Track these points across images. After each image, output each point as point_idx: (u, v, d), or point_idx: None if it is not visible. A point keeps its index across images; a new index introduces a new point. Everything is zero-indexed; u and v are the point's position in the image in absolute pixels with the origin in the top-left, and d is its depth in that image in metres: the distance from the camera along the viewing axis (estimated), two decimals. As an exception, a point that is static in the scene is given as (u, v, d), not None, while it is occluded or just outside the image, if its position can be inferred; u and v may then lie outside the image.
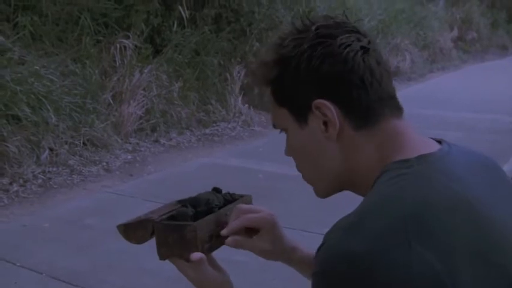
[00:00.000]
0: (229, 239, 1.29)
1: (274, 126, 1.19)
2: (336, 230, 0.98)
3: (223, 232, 1.29)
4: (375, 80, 1.06)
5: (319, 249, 0.98)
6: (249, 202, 1.40)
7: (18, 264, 4.29)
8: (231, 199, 1.39)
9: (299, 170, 1.20)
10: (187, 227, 1.24)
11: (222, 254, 1.37)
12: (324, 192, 1.19)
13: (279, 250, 1.33)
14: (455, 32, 21.08)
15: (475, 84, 14.43)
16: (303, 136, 1.12)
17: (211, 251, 1.30)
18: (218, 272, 1.29)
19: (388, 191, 0.99)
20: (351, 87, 1.05)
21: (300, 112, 1.10)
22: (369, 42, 1.09)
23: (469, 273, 0.91)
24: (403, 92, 12.37)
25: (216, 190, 1.40)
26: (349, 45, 1.06)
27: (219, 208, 1.33)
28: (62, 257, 4.44)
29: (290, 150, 1.18)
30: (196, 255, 1.22)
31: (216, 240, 1.29)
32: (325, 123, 1.07)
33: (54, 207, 5.59)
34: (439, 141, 1.12)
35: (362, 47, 1.07)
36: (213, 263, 1.30)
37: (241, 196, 1.40)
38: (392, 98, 1.10)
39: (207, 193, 1.39)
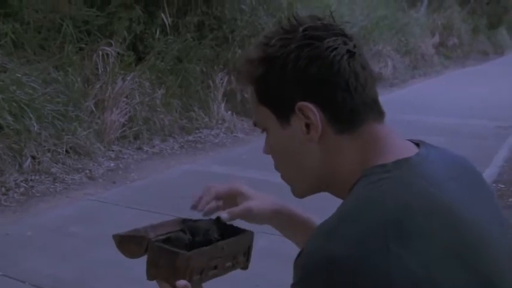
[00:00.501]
0: (224, 214, 1.32)
1: (255, 125, 1.18)
2: (314, 237, 0.98)
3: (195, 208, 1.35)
4: (359, 84, 1.06)
5: (298, 256, 0.98)
6: (251, 239, 1.36)
7: (1, 273, 4.26)
8: (231, 232, 1.35)
9: (277, 169, 1.19)
10: (180, 255, 1.21)
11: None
12: (301, 192, 1.19)
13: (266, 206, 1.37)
14: (436, 38, 21.24)
15: (456, 89, 14.52)
16: (284, 136, 1.11)
17: (200, 283, 1.26)
18: None
19: (367, 196, 0.99)
20: (335, 91, 1.06)
21: (283, 112, 1.09)
22: (355, 46, 1.09)
23: (448, 277, 0.92)
24: (385, 98, 12.40)
25: (219, 221, 1.35)
26: (335, 48, 1.06)
27: (217, 240, 1.29)
28: (46, 265, 4.41)
29: (269, 149, 1.18)
30: (181, 283, 1.19)
31: (207, 274, 1.26)
32: (307, 125, 1.07)
33: (37, 216, 5.56)
34: (418, 144, 1.12)
35: (348, 51, 1.07)
36: None
37: (244, 231, 1.35)
38: (375, 102, 1.11)
39: (209, 222, 1.35)
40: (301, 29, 1.08)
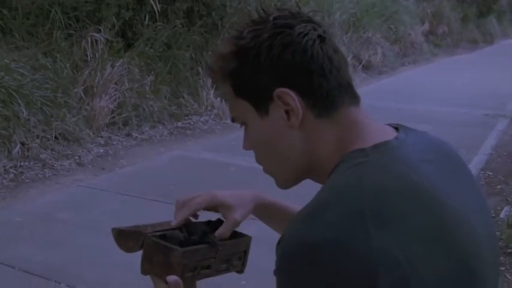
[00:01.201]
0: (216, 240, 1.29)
1: (233, 120, 1.19)
2: (294, 223, 0.98)
3: (173, 224, 1.29)
4: (334, 67, 1.08)
5: (279, 241, 0.98)
6: (248, 244, 1.36)
7: (-10, 258, 4.27)
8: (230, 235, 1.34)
9: (259, 163, 1.20)
10: (174, 251, 1.22)
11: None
12: (285, 183, 1.20)
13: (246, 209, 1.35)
14: (426, 26, 21.24)
15: (446, 77, 14.55)
16: (264, 126, 1.12)
17: (193, 280, 1.27)
18: None
19: (345, 180, 1.00)
20: (311, 75, 1.07)
21: (261, 102, 1.10)
22: (324, 31, 1.11)
23: (427, 261, 0.93)
24: (374, 86, 12.46)
25: (219, 223, 1.33)
26: (306, 34, 1.07)
27: (213, 241, 1.28)
28: (35, 251, 4.42)
29: (250, 144, 1.18)
30: (171, 278, 1.19)
31: (200, 272, 1.27)
32: (287, 112, 1.08)
33: (27, 202, 5.56)
34: (397, 128, 1.13)
35: (319, 36, 1.09)
36: None
37: (242, 236, 1.35)
38: (350, 85, 1.12)
39: (208, 223, 1.34)
40: (271, 18, 1.10)
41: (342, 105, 1.09)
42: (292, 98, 1.07)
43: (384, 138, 1.07)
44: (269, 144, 1.14)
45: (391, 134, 1.09)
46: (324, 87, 1.07)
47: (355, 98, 1.12)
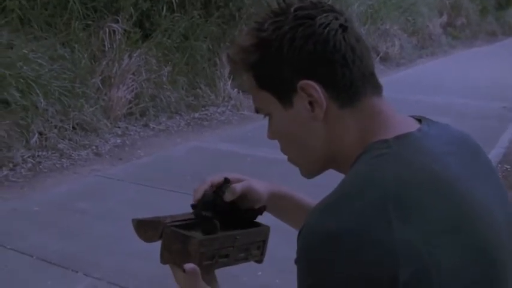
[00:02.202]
0: (226, 194, 1.32)
1: (257, 111, 1.18)
2: (315, 212, 0.98)
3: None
4: (356, 57, 1.07)
5: (300, 231, 0.98)
6: (266, 234, 1.37)
7: (8, 247, 4.30)
8: (248, 224, 1.36)
9: (283, 152, 1.20)
10: (191, 239, 1.23)
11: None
12: (310, 172, 1.20)
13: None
14: (444, 18, 21.10)
15: (464, 70, 14.46)
16: (288, 118, 1.11)
17: (211, 269, 1.28)
18: None
19: (368, 171, 1.00)
20: (334, 66, 1.06)
21: (285, 94, 1.10)
22: (346, 20, 1.10)
23: (448, 253, 0.93)
24: (392, 77, 12.40)
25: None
26: (328, 24, 1.07)
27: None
28: (53, 240, 4.45)
29: (274, 134, 1.18)
30: (189, 266, 1.19)
31: (217, 261, 1.27)
32: (310, 103, 1.08)
33: (44, 191, 5.59)
34: (420, 120, 1.13)
35: (341, 25, 1.08)
36: (209, 281, 1.27)
37: (261, 225, 1.37)
38: (373, 75, 1.11)
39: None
40: (292, 9, 1.09)
41: (365, 96, 1.08)
42: (315, 90, 1.06)
43: (406, 129, 1.07)
44: (293, 135, 1.14)
45: (413, 126, 1.09)
46: (347, 77, 1.07)
47: (377, 88, 1.12)
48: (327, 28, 1.06)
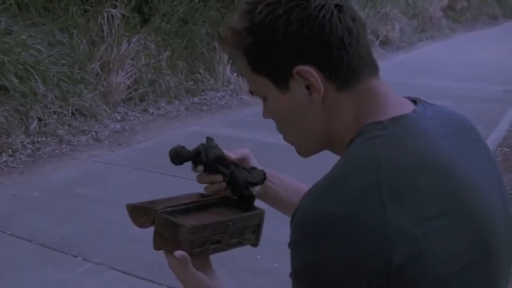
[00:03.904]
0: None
1: (252, 93, 1.16)
2: (310, 195, 0.98)
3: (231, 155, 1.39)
4: (353, 38, 1.05)
5: (294, 213, 0.98)
6: (261, 217, 1.37)
7: (8, 232, 4.32)
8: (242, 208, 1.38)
9: (279, 131, 1.19)
10: (181, 227, 1.23)
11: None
12: (306, 151, 1.19)
13: None
14: (444, 1, 21.03)
15: (464, 53, 14.43)
16: (285, 101, 1.10)
17: (203, 255, 1.28)
18: (206, 276, 1.26)
19: (362, 153, 0.99)
20: (331, 49, 1.04)
21: (280, 79, 1.08)
22: None
23: (443, 236, 0.93)
24: (392, 61, 12.39)
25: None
26: (323, 5, 1.04)
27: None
28: (52, 225, 4.46)
29: (269, 113, 1.16)
30: (179, 253, 1.20)
31: (209, 248, 1.28)
32: (308, 87, 1.06)
33: (44, 177, 5.60)
34: (415, 101, 1.12)
35: (336, 5, 1.05)
36: (203, 267, 1.28)
37: (255, 209, 1.37)
38: (369, 55, 1.09)
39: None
40: None
41: (363, 77, 1.07)
42: (312, 75, 1.04)
43: (402, 111, 1.05)
44: (290, 118, 1.13)
45: (409, 108, 1.08)
46: (344, 60, 1.05)
47: (374, 68, 1.10)
48: (323, 10, 1.03)
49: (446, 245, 0.93)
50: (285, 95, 1.09)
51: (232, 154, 1.39)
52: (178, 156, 1.38)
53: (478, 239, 0.97)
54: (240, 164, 1.41)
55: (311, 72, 1.04)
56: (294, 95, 1.08)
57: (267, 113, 1.17)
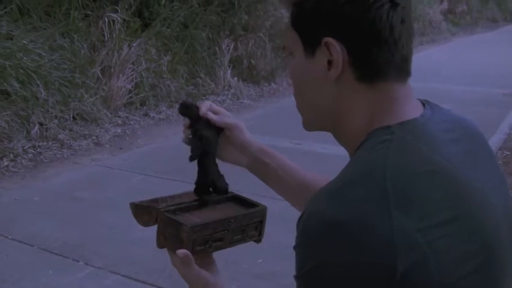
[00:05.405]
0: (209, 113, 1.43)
1: (284, 48, 1.18)
2: (317, 198, 0.98)
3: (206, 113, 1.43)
4: (391, 37, 1.03)
5: (300, 217, 0.98)
6: (263, 214, 1.38)
7: (10, 237, 4.32)
8: (245, 204, 1.39)
9: (294, 96, 1.18)
10: (183, 226, 1.25)
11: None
12: (309, 125, 1.18)
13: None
14: (445, 5, 21.06)
15: (464, 57, 14.44)
16: (306, 66, 1.09)
17: (205, 253, 1.30)
18: (209, 273, 1.28)
19: (370, 159, 1.00)
20: (364, 37, 1.03)
21: (310, 43, 1.07)
22: None
23: (447, 243, 0.93)
24: (392, 65, 12.36)
25: (235, 197, 1.44)
26: None
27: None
28: (54, 229, 4.47)
29: (290, 72, 1.17)
30: (181, 251, 1.22)
31: (211, 245, 1.29)
32: (329, 63, 1.05)
33: (45, 181, 5.61)
34: (423, 103, 1.11)
35: (391, 1, 1.02)
36: (206, 264, 1.29)
37: (257, 206, 1.38)
38: (405, 60, 1.07)
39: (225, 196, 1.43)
40: None
41: (386, 79, 1.05)
42: (337, 50, 1.03)
43: (411, 115, 1.05)
44: (305, 84, 1.13)
45: (417, 111, 1.07)
46: (374, 54, 1.03)
47: (403, 74, 1.07)
48: None
49: (451, 252, 0.93)
50: (308, 61, 1.09)
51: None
52: (186, 107, 1.43)
53: (482, 246, 0.97)
54: (231, 134, 1.45)
55: (337, 48, 1.03)
56: (315, 65, 1.07)
57: (289, 71, 1.18)
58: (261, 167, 1.47)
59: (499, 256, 1.01)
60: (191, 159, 1.37)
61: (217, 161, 1.43)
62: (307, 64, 1.09)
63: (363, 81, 1.05)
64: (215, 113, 1.45)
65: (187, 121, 1.44)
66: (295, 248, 0.98)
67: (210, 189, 1.39)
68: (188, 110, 1.41)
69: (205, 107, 1.44)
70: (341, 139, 1.12)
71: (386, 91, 1.06)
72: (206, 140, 1.39)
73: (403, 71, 1.07)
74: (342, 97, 1.07)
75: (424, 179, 0.96)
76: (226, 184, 1.40)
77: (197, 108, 1.41)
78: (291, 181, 1.46)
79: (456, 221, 0.96)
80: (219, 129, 1.44)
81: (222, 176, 1.41)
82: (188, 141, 1.41)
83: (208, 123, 1.41)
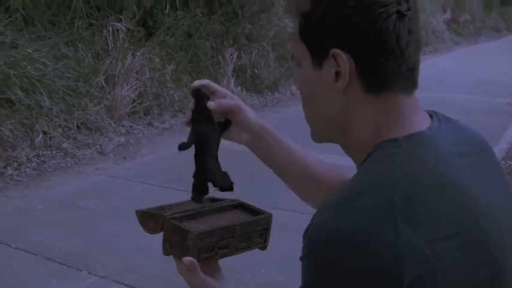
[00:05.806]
0: (211, 103, 1.41)
1: (292, 58, 1.16)
2: (324, 209, 0.98)
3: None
4: (398, 47, 1.03)
5: (307, 229, 0.98)
6: (269, 221, 1.38)
7: (13, 246, 4.33)
8: (250, 212, 1.40)
9: (303, 108, 1.18)
10: (189, 234, 1.25)
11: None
12: (317, 136, 1.19)
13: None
14: (448, 14, 21.07)
15: (468, 66, 14.43)
16: (314, 78, 1.10)
17: (211, 260, 1.30)
18: (215, 280, 1.28)
19: (377, 171, 1.00)
20: (371, 48, 1.03)
21: (318, 54, 1.08)
22: (409, 8, 1.04)
23: (454, 256, 0.93)
24: (396, 74, 12.36)
25: (241, 204, 1.44)
26: (385, 5, 1.02)
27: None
28: (57, 238, 4.47)
29: (297, 82, 1.17)
30: (187, 259, 1.23)
31: (217, 253, 1.29)
32: (337, 74, 1.05)
33: (49, 190, 5.62)
34: (431, 115, 1.11)
35: (398, 12, 1.02)
36: (212, 271, 1.30)
37: (262, 213, 1.39)
38: (412, 71, 1.07)
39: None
40: None
41: (392, 90, 1.05)
42: (344, 61, 1.03)
43: (418, 128, 1.05)
44: (312, 96, 1.13)
45: (425, 124, 1.07)
46: (380, 64, 1.03)
47: (410, 85, 1.08)
48: (382, 9, 1.01)
49: (457, 265, 0.93)
50: (316, 72, 1.09)
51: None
52: (197, 94, 1.41)
53: (489, 259, 0.98)
54: (232, 117, 1.44)
55: (344, 59, 1.03)
56: (323, 76, 1.07)
57: (296, 81, 1.18)
58: (261, 143, 1.47)
59: (506, 269, 1.01)
60: (179, 148, 1.39)
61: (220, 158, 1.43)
62: (314, 75, 1.09)
63: (369, 92, 1.05)
64: (214, 93, 1.44)
65: (193, 104, 1.42)
66: (301, 259, 0.98)
67: (211, 188, 1.39)
68: (198, 98, 1.40)
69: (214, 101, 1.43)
70: (349, 150, 1.12)
71: (392, 102, 1.06)
72: (200, 137, 1.40)
73: (409, 81, 1.07)
74: (349, 108, 1.08)
75: (431, 191, 0.96)
76: (231, 182, 1.39)
77: (207, 99, 1.39)
78: (291, 165, 1.46)
79: (463, 234, 0.96)
80: (224, 125, 1.43)
81: (225, 173, 1.40)
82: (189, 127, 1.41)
83: (211, 117, 1.40)
